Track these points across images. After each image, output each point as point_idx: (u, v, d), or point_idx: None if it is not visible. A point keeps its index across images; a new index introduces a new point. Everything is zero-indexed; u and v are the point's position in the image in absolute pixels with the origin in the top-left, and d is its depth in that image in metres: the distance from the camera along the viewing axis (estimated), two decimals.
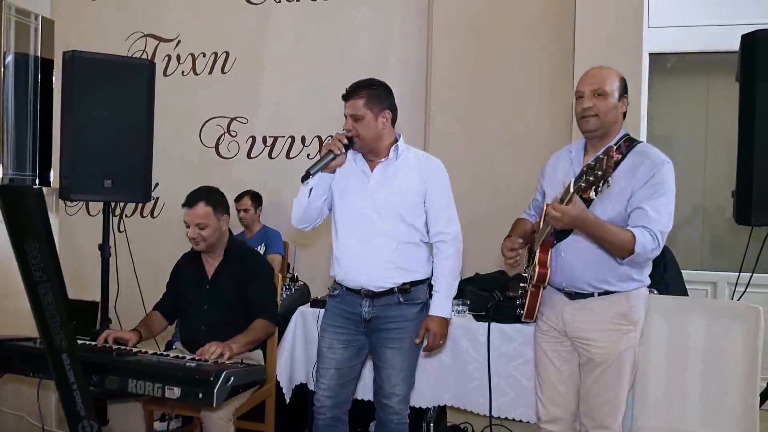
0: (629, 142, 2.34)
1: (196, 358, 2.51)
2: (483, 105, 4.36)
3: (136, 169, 3.24)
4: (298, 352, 3.21)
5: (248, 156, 4.87)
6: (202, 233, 2.88)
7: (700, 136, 4.74)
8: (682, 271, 3.52)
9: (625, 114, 2.39)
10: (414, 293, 2.57)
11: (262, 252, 4.46)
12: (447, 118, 4.41)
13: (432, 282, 2.61)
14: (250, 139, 4.87)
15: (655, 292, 2.96)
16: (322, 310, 2.91)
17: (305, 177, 2.50)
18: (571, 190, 2.05)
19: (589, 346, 2.36)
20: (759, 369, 2.52)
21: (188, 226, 2.89)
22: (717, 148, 4.65)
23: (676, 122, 4.75)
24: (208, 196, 2.94)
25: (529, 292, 2.46)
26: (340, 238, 2.61)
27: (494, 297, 3.21)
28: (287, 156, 4.81)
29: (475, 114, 4.36)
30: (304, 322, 3.22)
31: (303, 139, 4.80)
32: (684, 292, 3.30)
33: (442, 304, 2.56)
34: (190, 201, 2.91)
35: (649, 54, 4.36)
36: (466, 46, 4.40)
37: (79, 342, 2.58)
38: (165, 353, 2.58)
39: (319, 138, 4.80)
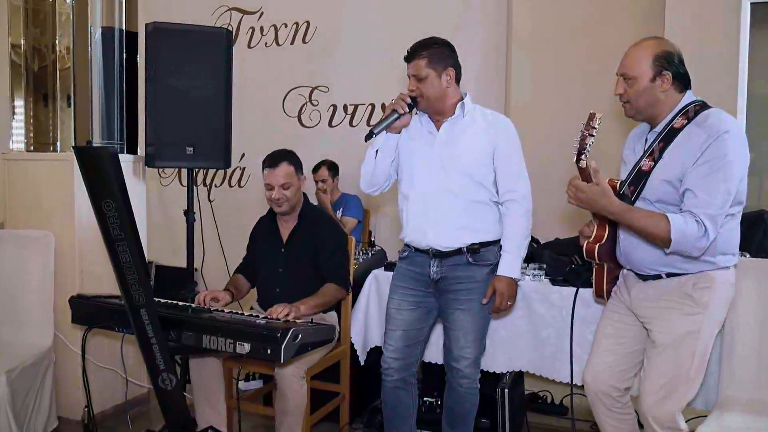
0: (698, 108, 2.15)
1: (267, 316, 2.58)
2: (567, 67, 4.17)
3: (216, 135, 3.32)
4: (372, 315, 3.22)
5: (329, 125, 4.86)
6: (286, 193, 2.93)
7: None
8: None
9: (686, 80, 2.19)
10: (483, 254, 2.53)
11: (339, 217, 4.50)
12: (528, 82, 4.26)
13: (501, 242, 2.55)
14: (332, 107, 4.84)
15: (747, 255, 2.77)
16: None
17: (368, 136, 2.50)
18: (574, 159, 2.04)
19: (650, 326, 2.23)
20: None
21: (270, 188, 2.94)
22: None
23: None
24: (289, 156, 3.00)
25: (594, 268, 2.39)
26: (408, 198, 2.59)
27: (573, 262, 3.11)
28: (368, 124, 4.70)
29: (558, 77, 4.18)
30: (378, 286, 3.22)
31: (383, 107, 4.70)
32: None
33: (510, 264, 2.50)
34: (273, 161, 2.96)
35: (751, 3, 4.01)
36: (549, 6, 4.23)
37: (159, 300, 2.72)
38: (239, 312, 2.66)
39: None
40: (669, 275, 2.18)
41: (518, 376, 3.20)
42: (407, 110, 2.49)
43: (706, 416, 2.41)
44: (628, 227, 2.10)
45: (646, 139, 2.26)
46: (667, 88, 2.16)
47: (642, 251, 2.20)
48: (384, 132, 2.52)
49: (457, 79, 2.54)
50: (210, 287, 3.88)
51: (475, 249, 2.51)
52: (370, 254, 3.75)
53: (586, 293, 2.86)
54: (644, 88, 2.15)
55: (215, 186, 5.22)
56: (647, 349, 2.27)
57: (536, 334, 2.95)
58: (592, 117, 2.02)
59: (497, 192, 2.55)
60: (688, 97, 2.20)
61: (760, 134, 4.10)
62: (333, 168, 4.56)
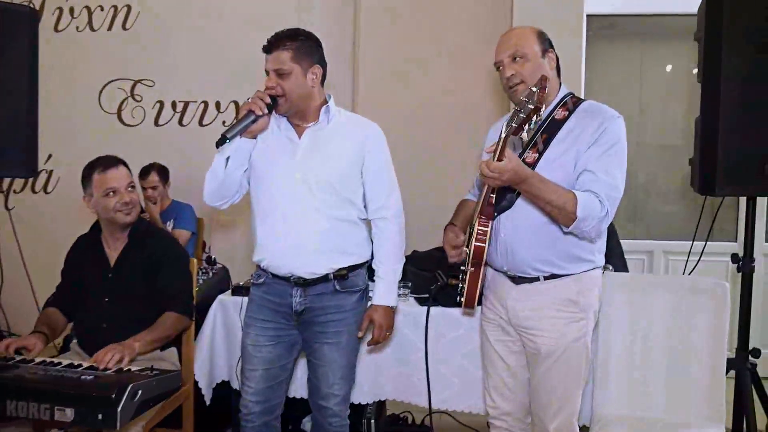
0: (576, 100, 2.10)
1: (95, 366, 2.10)
2: (416, 65, 4.07)
3: (16, 137, 2.71)
4: (219, 347, 2.83)
5: (156, 123, 4.41)
6: (134, 197, 2.50)
7: (633, 102, 4.61)
8: None
9: (559, 70, 2.14)
10: (352, 279, 2.25)
11: (170, 229, 4.02)
12: (376, 80, 4.09)
13: (373, 266, 2.29)
14: (158, 104, 4.40)
15: (611, 268, 2.77)
16: (245, 299, 2.58)
17: (220, 142, 2.10)
18: (503, 134, 1.78)
19: (534, 336, 2.09)
20: (725, 349, 2.37)
21: (113, 193, 2.45)
22: (649, 114, 4.55)
23: (610, 88, 4.60)
24: (123, 160, 2.56)
25: (468, 274, 2.15)
26: (264, 217, 2.24)
27: (437, 277, 2.93)
28: (200, 123, 4.40)
29: (409, 75, 4.07)
30: (225, 313, 2.83)
31: (218, 105, 4.38)
32: (624, 263, 3.16)
33: (386, 291, 2.25)
34: (109, 162, 2.50)
35: (587, 15, 4.15)
36: (394, 8, 4.08)
37: None
38: (55, 362, 2.14)
39: (236, 103, 4.42)
40: (547, 278, 2.06)
41: (381, 402, 2.98)
42: (266, 112, 2.14)
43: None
44: (538, 198, 1.92)
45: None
46: (554, 67, 2.08)
47: (527, 247, 2.05)
48: (238, 137, 2.14)
49: (323, 79, 2.23)
50: (12, 320, 3.25)
51: (343, 275, 2.22)
52: (210, 273, 3.33)
53: (456, 313, 2.71)
54: (537, 65, 2.02)
55: (14, 192, 4.49)
56: (533, 363, 2.13)
57: (403, 359, 2.74)
58: (545, 81, 1.73)
59: (365, 208, 2.28)
60: (564, 88, 2.13)
61: None
62: (163, 173, 4.05)
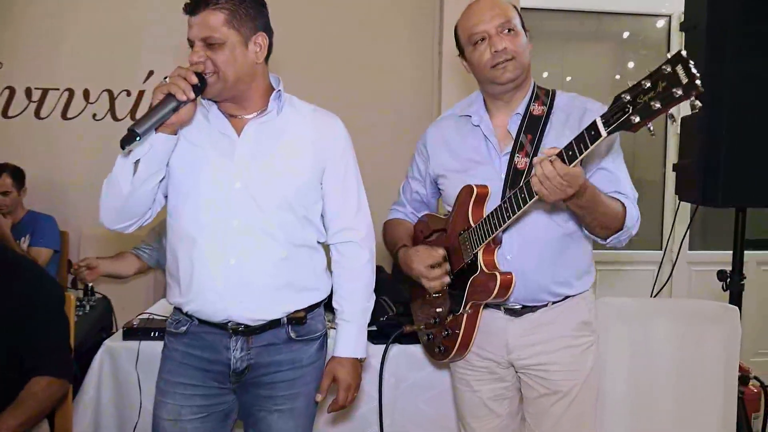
0: (545, 92, 1.82)
1: None
2: (334, 52, 3.80)
3: None
4: (107, 409, 2.18)
5: (4, 115, 3.75)
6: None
7: None
8: None
9: None
10: (311, 324, 1.70)
11: (25, 246, 3.29)
12: (290, 67, 3.63)
13: (334, 305, 1.74)
14: (7, 90, 3.76)
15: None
16: (143, 344, 2.10)
17: (127, 140, 1.46)
18: (603, 133, 1.36)
19: (549, 373, 1.76)
20: (736, 384, 2.13)
21: None
22: None
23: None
24: None
25: (465, 316, 1.76)
26: (190, 243, 1.62)
27: (385, 306, 2.45)
28: (63, 116, 3.77)
29: (326, 61, 3.78)
30: (114, 364, 2.18)
31: (86, 93, 3.79)
32: None
33: (353, 338, 1.72)
34: None
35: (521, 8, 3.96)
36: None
37: None
38: None
39: (110, 93, 3.81)
40: (556, 302, 1.78)
41: None
42: (192, 96, 1.52)
43: None
44: (591, 211, 1.59)
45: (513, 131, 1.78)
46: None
47: (543, 270, 1.75)
48: (152, 132, 1.51)
49: (268, 53, 1.65)
50: None
51: (300, 318, 1.66)
52: (87, 307, 2.61)
53: (416, 351, 2.23)
54: (526, 43, 1.74)
55: None
56: (541, 407, 1.79)
57: (352, 413, 2.23)
58: (680, 55, 1.23)
59: (324, 228, 1.74)
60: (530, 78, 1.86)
61: None
62: (17, 176, 3.34)
